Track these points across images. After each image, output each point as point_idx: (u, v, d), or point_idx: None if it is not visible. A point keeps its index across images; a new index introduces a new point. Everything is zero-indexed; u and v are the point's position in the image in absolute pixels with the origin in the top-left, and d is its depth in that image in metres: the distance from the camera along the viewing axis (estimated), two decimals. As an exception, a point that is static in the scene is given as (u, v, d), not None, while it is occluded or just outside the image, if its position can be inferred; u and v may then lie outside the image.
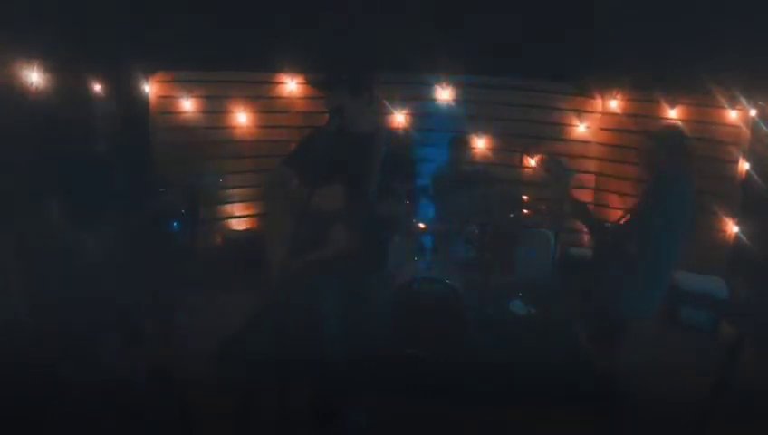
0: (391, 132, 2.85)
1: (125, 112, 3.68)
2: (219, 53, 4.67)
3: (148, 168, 3.56)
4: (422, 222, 4.15)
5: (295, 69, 5.24)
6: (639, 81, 5.01)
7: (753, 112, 4.48)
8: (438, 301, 3.46)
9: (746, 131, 4.57)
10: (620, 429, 2.77)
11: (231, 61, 4.88)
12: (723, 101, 4.56)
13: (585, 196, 5.50)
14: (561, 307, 4.06)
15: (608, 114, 5.45)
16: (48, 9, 3.45)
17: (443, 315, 3.45)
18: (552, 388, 3.02)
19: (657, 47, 4.33)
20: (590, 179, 5.57)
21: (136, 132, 4.55)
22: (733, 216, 4.62)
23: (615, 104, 5.35)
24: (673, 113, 4.93)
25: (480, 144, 5.49)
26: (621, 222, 3.01)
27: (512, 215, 4.56)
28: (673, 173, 2.81)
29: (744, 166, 4.57)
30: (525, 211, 4.70)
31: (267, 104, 5.39)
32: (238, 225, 5.50)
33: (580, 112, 5.49)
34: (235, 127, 5.33)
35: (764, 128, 4.42)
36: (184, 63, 4.91)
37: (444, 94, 5.44)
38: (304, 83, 5.26)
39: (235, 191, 5.44)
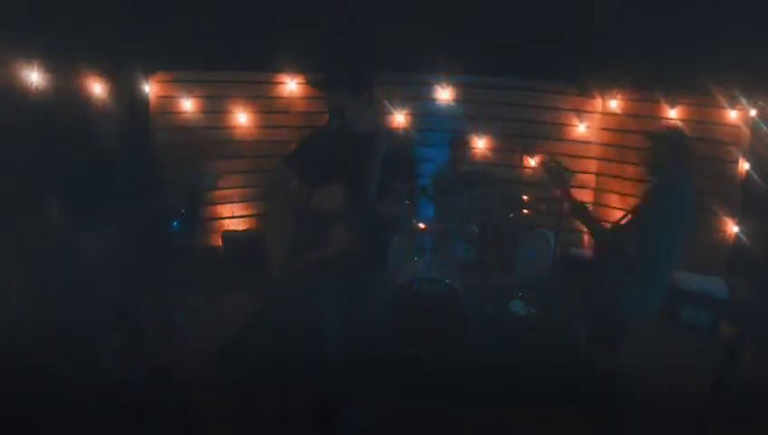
0: (391, 132, 2.84)
1: (125, 112, 3.68)
2: (219, 53, 4.67)
3: (148, 168, 3.56)
4: (422, 222, 4.15)
5: (295, 69, 5.24)
6: (639, 81, 5.01)
7: (753, 112, 4.48)
8: (438, 301, 3.46)
9: (746, 131, 4.57)
10: (620, 429, 2.77)
11: (231, 61, 4.88)
12: (723, 101, 4.56)
13: (585, 196, 5.50)
14: (561, 307, 4.06)
15: (608, 114, 5.45)
16: (48, 9, 3.45)
17: (443, 315, 3.45)
18: (552, 388, 3.01)
19: (657, 47, 4.33)
20: (590, 179, 5.57)
21: (136, 132, 4.55)
22: (733, 216, 4.62)
23: (615, 104, 5.35)
24: (673, 113, 4.93)
25: (480, 144, 5.49)
26: (621, 222, 3.02)
27: (512, 215, 4.56)
28: (673, 174, 2.82)
29: (744, 166, 4.57)
30: (525, 211, 4.71)
31: (267, 104, 5.39)
32: (238, 225, 5.50)
33: (580, 112, 5.49)
34: (235, 127, 5.33)
35: (764, 128, 4.42)
36: (184, 63, 4.91)
37: (444, 94, 5.44)
38: (304, 83, 5.26)
39: (235, 191, 5.45)
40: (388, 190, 2.44)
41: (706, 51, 4.09)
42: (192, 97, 5.11)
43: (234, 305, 3.93)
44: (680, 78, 4.63)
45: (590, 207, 5.28)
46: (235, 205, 5.47)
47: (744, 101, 4.47)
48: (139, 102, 4.80)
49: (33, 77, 3.80)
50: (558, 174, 3.03)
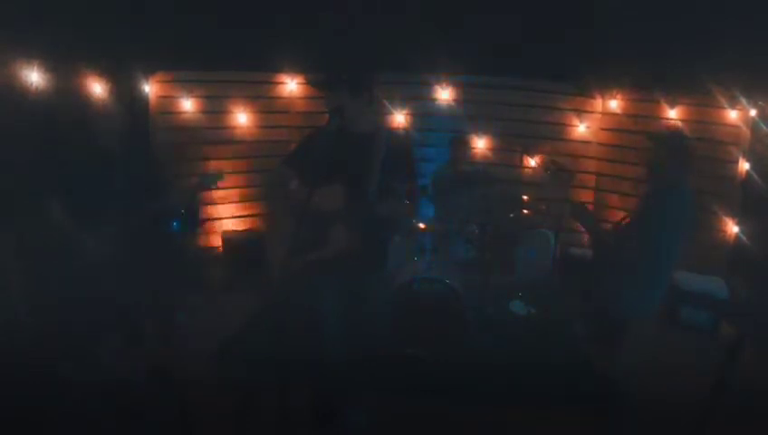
0: (391, 132, 2.84)
1: (125, 112, 3.68)
2: (219, 53, 4.67)
3: (149, 168, 3.56)
4: (422, 222, 4.15)
5: (295, 69, 5.24)
6: (639, 81, 5.01)
7: (753, 112, 4.48)
8: (438, 301, 3.46)
9: (746, 131, 4.57)
10: (620, 429, 2.77)
11: (231, 61, 4.88)
12: (723, 101, 4.56)
13: (585, 196, 5.51)
14: (561, 307, 4.05)
15: (608, 114, 5.45)
16: (48, 9, 3.45)
17: (443, 315, 3.45)
18: (552, 388, 3.00)
19: (657, 47, 4.33)
20: (590, 179, 5.57)
21: (136, 132, 4.54)
22: (733, 216, 4.62)
23: (615, 104, 5.35)
24: (673, 113, 4.94)
25: (480, 144, 5.49)
26: (622, 222, 3.02)
27: (512, 215, 4.56)
28: (673, 174, 2.82)
29: (744, 166, 4.58)
30: (525, 211, 4.71)
31: (267, 104, 5.39)
32: (238, 225, 5.50)
33: (580, 112, 5.49)
34: (235, 127, 5.33)
35: (764, 128, 4.42)
36: (184, 63, 4.91)
37: (444, 94, 5.44)
38: (304, 83, 5.27)
39: (235, 191, 5.45)
40: (388, 190, 2.44)
41: (706, 51, 4.09)
42: (192, 97, 5.11)
43: (234, 305, 3.93)
44: (680, 78, 4.63)
45: (590, 207, 5.29)
46: (235, 205, 5.48)
47: (743, 101, 4.47)
48: (139, 102, 4.80)
49: (33, 77, 3.80)
50: (558, 175, 3.04)
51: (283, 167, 2.67)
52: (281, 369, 2.66)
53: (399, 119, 5.43)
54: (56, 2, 3.53)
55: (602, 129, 5.50)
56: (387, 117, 5.37)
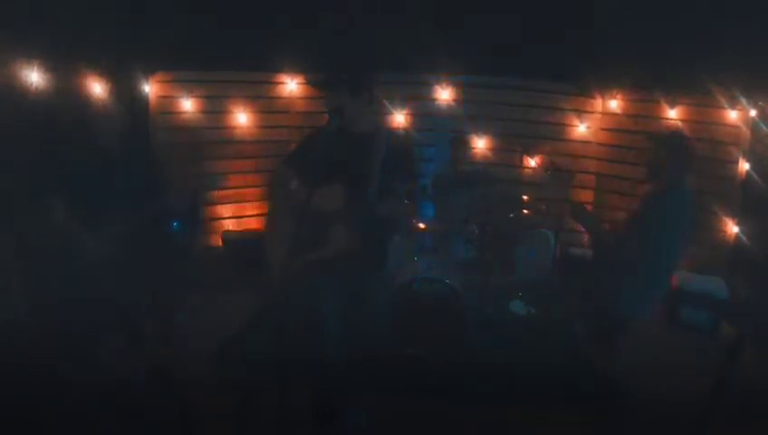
0: (391, 132, 2.84)
1: (125, 112, 3.69)
2: (219, 53, 4.67)
3: (149, 168, 3.57)
4: (422, 222, 4.15)
5: (295, 69, 5.24)
6: (639, 81, 5.01)
7: (753, 112, 4.48)
8: (438, 301, 3.46)
9: (746, 131, 4.57)
10: (620, 429, 2.77)
11: (231, 61, 4.88)
12: (723, 101, 4.56)
13: (585, 196, 5.50)
14: (561, 307, 4.06)
15: (608, 114, 5.45)
16: (48, 9, 3.45)
17: (443, 315, 3.45)
18: (552, 388, 3.01)
19: (657, 47, 4.33)
20: (590, 179, 5.57)
21: (136, 132, 4.54)
22: (733, 216, 4.62)
23: (615, 104, 5.35)
24: (673, 113, 4.93)
25: (480, 144, 5.49)
26: (622, 222, 3.02)
27: (512, 215, 4.56)
28: (673, 174, 2.82)
29: (744, 166, 4.57)
30: (525, 211, 4.71)
31: (267, 104, 5.39)
32: (238, 225, 5.50)
33: (580, 112, 5.49)
34: (235, 127, 5.33)
35: (764, 128, 4.42)
36: (184, 63, 4.91)
37: (444, 94, 5.44)
38: (304, 83, 5.26)
39: (235, 191, 5.45)
40: (388, 190, 2.44)
41: (706, 51, 4.09)
42: (192, 97, 5.11)
43: (234, 305, 3.93)
44: (680, 78, 4.63)
45: (590, 208, 5.29)
46: (235, 205, 5.47)
47: (743, 101, 4.47)
48: (139, 102, 4.79)
49: (33, 77, 3.80)
50: (558, 175, 3.04)
51: (283, 167, 2.67)
52: (281, 369, 2.66)
53: (399, 119, 5.43)
54: (56, 2, 3.53)
55: (602, 129, 5.50)
56: (387, 117, 5.37)
